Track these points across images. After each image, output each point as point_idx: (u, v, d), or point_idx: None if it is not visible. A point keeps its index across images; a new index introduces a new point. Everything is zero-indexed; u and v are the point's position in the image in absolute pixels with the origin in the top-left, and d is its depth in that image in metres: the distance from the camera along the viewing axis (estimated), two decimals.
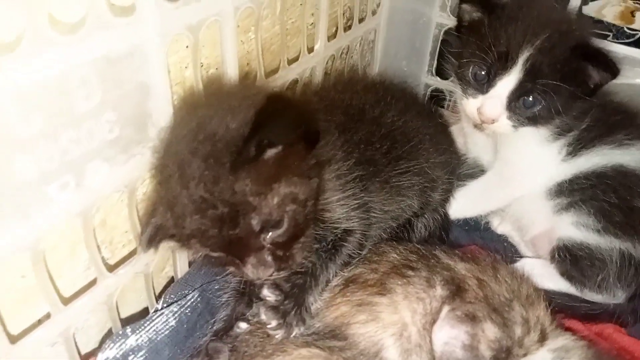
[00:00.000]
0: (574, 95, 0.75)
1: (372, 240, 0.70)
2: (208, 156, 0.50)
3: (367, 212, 0.65)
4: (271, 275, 0.54)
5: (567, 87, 0.73)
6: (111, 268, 0.63)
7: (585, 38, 0.77)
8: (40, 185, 0.47)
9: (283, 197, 0.51)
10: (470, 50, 0.78)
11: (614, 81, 0.80)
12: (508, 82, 0.74)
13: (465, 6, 0.80)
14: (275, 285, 0.59)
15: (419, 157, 0.73)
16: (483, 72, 0.77)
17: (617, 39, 1.29)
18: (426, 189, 0.78)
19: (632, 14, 1.35)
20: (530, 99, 0.75)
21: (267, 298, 0.59)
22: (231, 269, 0.56)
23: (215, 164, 0.49)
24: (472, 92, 0.79)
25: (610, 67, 0.72)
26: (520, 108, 0.76)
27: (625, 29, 1.31)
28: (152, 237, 0.55)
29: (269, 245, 0.52)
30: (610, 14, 1.36)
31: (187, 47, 0.60)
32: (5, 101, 0.41)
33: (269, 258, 0.53)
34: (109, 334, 0.66)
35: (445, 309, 0.65)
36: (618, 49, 0.93)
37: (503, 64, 0.74)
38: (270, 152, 0.49)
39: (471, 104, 0.79)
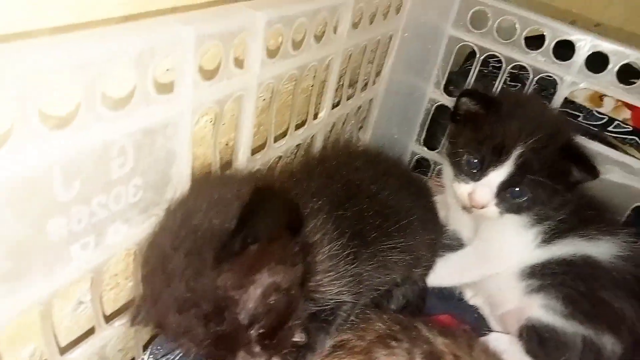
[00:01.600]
0: (556, 190, 0.82)
1: (359, 309, 0.73)
2: (189, 253, 0.50)
3: (358, 285, 0.68)
4: None
5: (552, 183, 0.80)
6: (107, 319, 0.63)
7: (571, 140, 0.86)
8: (66, 244, 0.49)
9: (265, 288, 0.51)
10: (466, 139, 0.85)
11: None
12: (500, 174, 0.81)
13: (465, 99, 0.86)
14: None
15: (407, 236, 0.77)
16: (476, 161, 0.83)
17: (587, 120, 1.40)
18: (410, 265, 0.81)
19: (601, 98, 1.46)
20: (518, 190, 0.82)
21: None
22: None
23: (197, 260, 0.50)
24: (464, 177, 0.85)
25: (592, 170, 0.80)
26: (508, 198, 0.82)
27: (595, 112, 1.42)
28: (140, 321, 0.56)
29: (256, 337, 0.53)
30: (581, 96, 1.47)
31: (211, 121, 0.63)
32: (53, 170, 0.43)
33: (258, 349, 0.53)
34: None
35: None
36: (592, 146, 1.02)
37: (497, 156, 0.81)
38: (253, 246, 0.50)
39: (462, 189, 0.85)
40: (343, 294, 0.65)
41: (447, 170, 0.91)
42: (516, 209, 0.84)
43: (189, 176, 0.61)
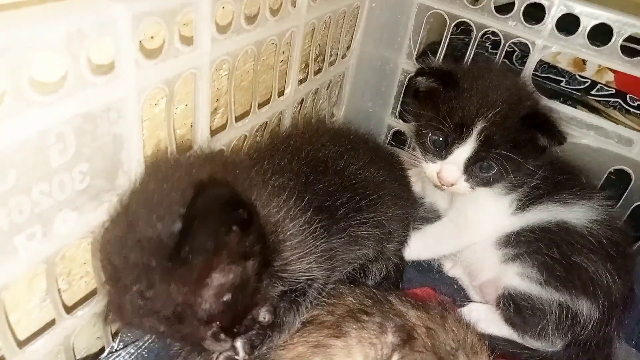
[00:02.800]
0: (525, 158, 0.81)
1: (331, 285, 0.73)
2: (138, 265, 0.50)
3: (330, 260, 0.68)
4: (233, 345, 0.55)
5: (519, 153, 0.79)
6: (69, 309, 0.63)
7: (534, 107, 0.84)
8: (9, 236, 0.47)
9: (217, 289, 0.51)
10: (428, 118, 0.84)
11: None
12: (464, 151, 0.80)
13: (421, 78, 0.85)
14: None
15: (378, 211, 0.76)
16: (440, 140, 0.82)
17: (570, 85, 1.38)
18: (382, 240, 0.81)
19: (584, 62, 1.45)
20: (485, 165, 0.81)
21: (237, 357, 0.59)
22: None
23: (147, 271, 0.49)
24: (430, 157, 0.85)
25: (557, 136, 0.79)
26: (476, 172, 0.82)
27: (577, 76, 1.41)
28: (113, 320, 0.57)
29: (218, 329, 0.53)
30: (564, 61, 1.45)
31: (163, 98, 0.61)
32: None
33: (222, 336, 0.53)
34: None
35: (395, 356, 0.69)
36: (566, 110, 1.00)
37: (459, 134, 0.80)
38: (200, 256, 0.49)
39: (431, 168, 0.85)
40: (313, 270, 0.64)
41: (417, 154, 0.89)
42: (486, 183, 0.83)
43: (142, 161, 0.60)
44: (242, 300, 0.53)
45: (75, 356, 0.67)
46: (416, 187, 1.01)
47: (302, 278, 0.64)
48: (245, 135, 0.80)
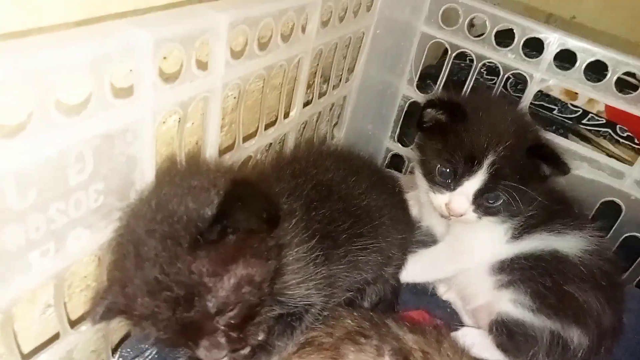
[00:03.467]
0: (530, 188, 0.83)
1: (329, 310, 0.73)
2: (165, 237, 0.50)
3: (329, 287, 0.68)
4: (224, 357, 0.54)
5: (525, 183, 0.81)
6: (73, 324, 0.63)
7: (538, 138, 0.87)
8: (24, 252, 0.48)
9: (240, 279, 0.51)
10: (435, 150, 0.86)
11: None
12: (474, 182, 0.82)
13: (429, 110, 0.86)
14: None
15: (379, 236, 0.77)
16: (449, 171, 0.84)
17: (562, 114, 1.42)
18: (381, 264, 0.82)
19: (576, 92, 1.48)
20: (493, 195, 0.83)
21: None
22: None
23: (173, 245, 0.49)
24: (438, 188, 0.86)
25: (562, 166, 0.81)
26: (484, 203, 0.84)
27: (569, 105, 1.44)
28: (104, 315, 0.55)
29: (222, 327, 0.53)
30: (556, 89, 1.49)
31: (178, 120, 0.62)
32: (6, 180, 0.43)
33: (223, 340, 0.53)
34: None
35: None
36: (561, 142, 1.03)
37: (469, 166, 0.81)
38: (232, 236, 0.50)
39: (439, 199, 0.86)
40: (312, 297, 0.65)
41: (423, 184, 0.91)
42: (493, 212, 0.85)
43: (153, 179, 0.61)
44: (255, 300, 0.54)
45: None
46: (414, 210, 1.03)
47: (300, 303, 0.64)
48: (251, 156, 0.81)
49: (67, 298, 0.68)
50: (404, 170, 1.20)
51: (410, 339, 0.75)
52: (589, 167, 1.01)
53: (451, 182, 0.84)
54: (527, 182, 0.82)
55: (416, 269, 0.96)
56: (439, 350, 0.75)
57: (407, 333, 0.76)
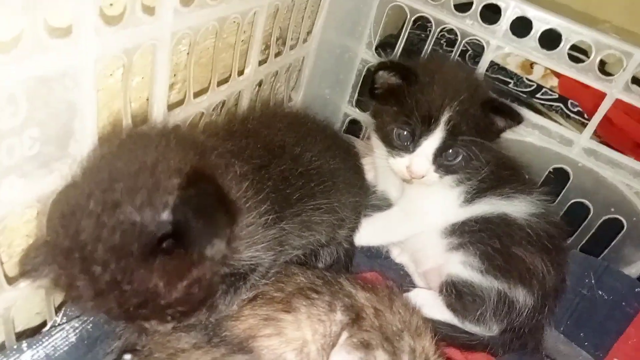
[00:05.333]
0: (484, 143, 0.84)
1: (277, 268, 0.72)
2: (115, 246, 0.48)
3: (278, 246, 0.67)
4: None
5: (481, 138, 0.83)
6: (11, 280, 0.60)
7: (490, 95, 0.88)
8: None
9: (192, 282, 0.51)
10: (392, 114, 0.85)
11: (509, 137, 0.92)
12: (432, 141, 0.82)
13: (381, 72, 0.86)
14: None
15: (331, 197, 0.77)
16: (407, 133, 0.84)
17: (517, 87, 1.45)
18: (334, 226, 0.82)
19: (532, 66, 1.51)
20: (452, 152, 0.83)
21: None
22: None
23: (123, 254, 0.48)
24: (397, 152, 0.85)
25: (515, 116, 0.83)
26: (444, 162, 0.84)
27: (525, 79, 1.47)
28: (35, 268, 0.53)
29: (171, 315, 0.53)
30: (513, 63, 1.51)
31: (122, 67, 0.59)
32: None
33: (169, 318, 0.53)
34: (2, 348, 0.63)
35: (344, 335, 0.71)
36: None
37: (427, 126, 0.82)
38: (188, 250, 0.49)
39: (399, 163, 0.86)
40: (260, 258, 0.64)
41: (381, 150, 0.91)
42: (453, 170, 0.86)
43: (95, 131, 0.58)
44: (204, 293, 0.53)
45: (14, 329, 0.64)
46: (369, 175, 1.03)
47: (247, 264, 0.64)
48: (203, 113, 0.79)
49: (8, 257, 0.65)
50: (361, 136, 1.20)
51: (362, 296, 0.76)
52: (540, 134, 1.04)
53: (410, 144, 0.84)
54: (483, 137, 0.83)
55: (370, 232, 0.97)
56: (391, 308, 0.76)
57: (360, 291, 0.77)
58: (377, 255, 1.03)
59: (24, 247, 0.67)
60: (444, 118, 0.81)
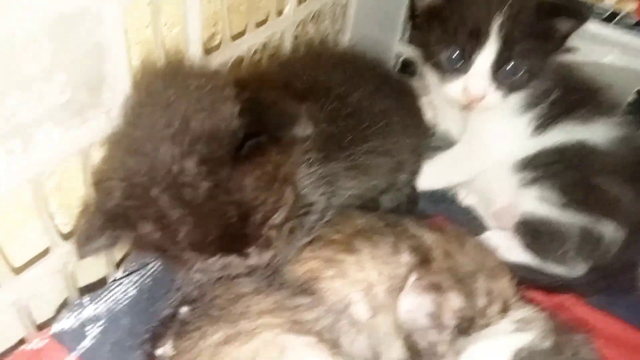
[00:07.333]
0: (547, 53, 0.76)
1: (333, 210, 0.69)
2: (203, 158, 0.46)
3: (327, 186, 0.64)
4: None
5: (542, 44, 0.74)
6: (67, 236, 0.60)
7: None
8: None
9: (284, 181, 0.51)
10: (438, 36, 0.77)
11: (582, 59, 0.81)
12: (486, 56, 0.74)
13: None
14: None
15: (385, 139, 0.72)
16: (457, 53, 0.75)
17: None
18: (392, 170, 0.77)
19: None
20: (511, 66, 0.74)
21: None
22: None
23: (215, 166, 0.46)
24: (450, 76, 0.77)
25: (579, 11, 0.73)
26: (505, 77, 0.75)
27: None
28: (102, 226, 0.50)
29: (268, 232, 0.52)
30: None
31: (148, 4, 0.56)
32: None
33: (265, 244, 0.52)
34: (65, 304, 0.64)
35: (412, 277, 0.66)
36: (588, 27, 0.93)
37: (476, 40, 0.73)
38: (274, 148, 0.49)
39: (454, 88, 0.78)
40: (310, 198, 0.62)
41: (434, 80, 0.83)
42: (517, 86, 0.77)
43: (128, 77, 0.55)
44: (294, 202, 0.53)
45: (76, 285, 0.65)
46: (428, 114, 0.96)
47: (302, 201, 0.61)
48: (242, 58, 0.75)
49: (68, 219, 0.65)
50: (416, 76, 1.12)
51: (430, 237, 0.70)
52: (622, 53, 0.91)
53: (462, 64, 0.76)
54: (545, 46, 0.74)
55: (433, 174, 0.90)
56: (461, 249, 0.70)
57: (426, 233, 0.71)
58: (443, 199, 0.96)
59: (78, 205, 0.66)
60: (494, 28, 0.72)
